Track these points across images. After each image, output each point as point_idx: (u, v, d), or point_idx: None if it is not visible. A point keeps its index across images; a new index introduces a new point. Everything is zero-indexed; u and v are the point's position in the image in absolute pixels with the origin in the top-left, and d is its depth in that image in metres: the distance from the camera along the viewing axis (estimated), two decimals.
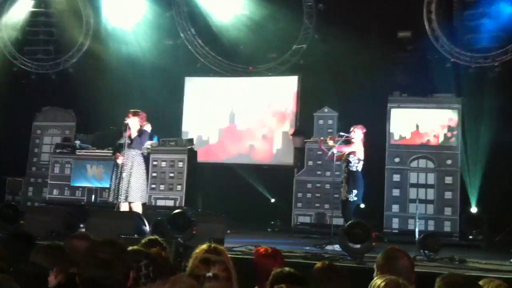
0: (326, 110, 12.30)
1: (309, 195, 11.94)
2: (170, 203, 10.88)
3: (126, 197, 7.85)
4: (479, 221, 10.22)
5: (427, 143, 11.09)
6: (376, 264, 3.31)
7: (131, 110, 8.16)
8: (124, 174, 7.83)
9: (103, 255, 2.51)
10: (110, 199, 8.03)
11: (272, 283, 3.35)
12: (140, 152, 8.10)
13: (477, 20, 11.38)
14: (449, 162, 10.86)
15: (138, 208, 7.93)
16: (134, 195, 7.89)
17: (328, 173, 11.37)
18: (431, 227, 10.48)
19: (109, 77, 13.04)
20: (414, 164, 11.08)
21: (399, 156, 11.13)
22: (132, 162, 7.93)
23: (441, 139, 11.05)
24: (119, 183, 7.85)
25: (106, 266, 2.47)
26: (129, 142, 7.95)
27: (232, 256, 5.93)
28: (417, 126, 11.25)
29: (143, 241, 6.63)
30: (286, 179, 12.21)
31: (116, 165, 8.03)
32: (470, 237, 10.00)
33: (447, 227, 10.61)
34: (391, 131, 11.28)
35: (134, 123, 8.01)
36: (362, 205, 8.63)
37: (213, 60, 13.65)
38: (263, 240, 8.37)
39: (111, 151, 11.43)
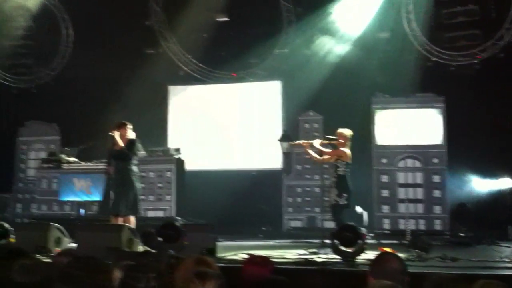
0: (311, 113, 12.34)
1: (299, 199, 11.96)
2: (159, 213, 10.83)
3: (120, 210, 7.76)
4: (468, 219, 10.30)
5: (413, 143, 11.17)
6: (368, 269, 3.33)
7: (117, 122, 8.07)
8: (117, 187, 7.74)
9: (75, 273, 2.54)
10: (104, 212, 7.94)
11: None
12: (132, 163, 8.01)
13: (455, 19, 11.52)
14: (435, 160, 10.95)
15: (131, 221, 7.85)
16: (128, 208, 7.80)
17: (316, 177, 11.38)
18: (421, 226, 10.55)
19: (91, 89, 12.96)
20: (401, 164, 11.15)
21: (386, 157, 11.19)
22: (124, 175, 7.84)
23: (427, 138, 11.14)
24: (117, 195, 7.74)
25: (76, 284, 2.50)
26: (119, 154, 7.86)
27: (223, 265, 5.94)
28: (402, 126, 11.33)
29: (135, 253, 6.62)
30: (275, 184, 12.21)
31: (109, 178, 7.94)
32: (461, 234, 10.04)
33: (437, 225, 10.69)
34: (376, 132, 11.33)
35: (121, 134, 7.92)
36: (359, 209, 8.60)
37: (195, 68, 13.65)
38: (254, 244, 8.36)
39: (97, 165, 11.36)
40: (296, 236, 10.62)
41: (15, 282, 3.20)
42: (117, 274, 2.98)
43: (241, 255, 6.70)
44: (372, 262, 3.35)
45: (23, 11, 14.10)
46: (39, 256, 5.27)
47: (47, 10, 14.02)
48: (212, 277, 2.75)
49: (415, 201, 10.81)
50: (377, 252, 6.63)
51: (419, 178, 11.01)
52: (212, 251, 6.89)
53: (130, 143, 7.94)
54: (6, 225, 7.59)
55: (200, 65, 13.61)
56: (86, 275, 2.57)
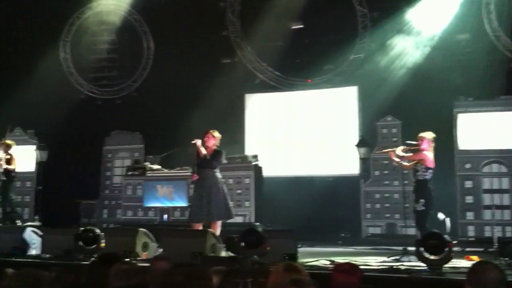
0: (389, 118, 12.17)
1: (377, 205, 11.81)
2: (239, 219, 11.03)
3: (206, 216, 7.97)
4: None
5: (498, 147, 10.76)
6: (466, 277, 3.26)
7: (204, 131, 8.30)
8: (203, 194, 7.97)
9: (177, 279, 2.66)
10: (191, 218, 8.18)
11: None
12: (216, 171, 8.20)
13: None
14: None
15: (217, 226, 8.04)
16: (214, 214, 8.00)
17: (396, 183, 11.23)
18: (509, 234, 10.14)
19: (171, 98, 13.39)
20: (486, 169, 10.77)
21: (470, 162, 10.85)
22: (210, 182, 8.02)
23: None
24: (205, 202, 7.96)
25: None
26: (204, 161, 8.07)
27: (308, 271, 5.96)
28: (486, 130, 10.95)
29: (220, 258, 6.77)
30: (353, 190, 12.11)
31: (195, 185, 8.21)
32: None
33: None
34: (459, 136, 11.01)
35: (205, 142, 8.13)
36: (441, 215, 8.38)
37: (271, 76, 13.81)
38: (334, 251, 8.33)
39: (179, 172, 11.76)
40: (375, 243, 10.49)
41: (111, 286, 3.36)
42: (214, 279, 3.08)
43: (323, 261, 6.72)
44: (469, 271, 3.27)
45: (106, 26, 14.82)
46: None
47: (128, 24, 14.68)
48: (307, 285, 2.78)
49: (501, 207, 10.41)
50: (463, 260, 6.49)
51: (505, 183, 10.60)
52: (293, 257, 6.94)
53: (215, 153, 8.14)
54: (97, 231, 7.92)
55: (276, 72, 13.75)
56: (187, 281, 2.69)
